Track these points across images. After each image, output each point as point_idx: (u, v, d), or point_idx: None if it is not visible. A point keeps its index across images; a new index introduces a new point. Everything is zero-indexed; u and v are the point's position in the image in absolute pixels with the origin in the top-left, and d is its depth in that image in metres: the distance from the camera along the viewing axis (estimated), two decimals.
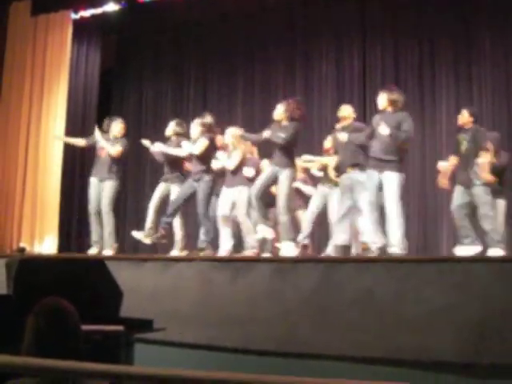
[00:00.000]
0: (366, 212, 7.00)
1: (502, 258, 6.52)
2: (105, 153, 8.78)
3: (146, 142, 8.71)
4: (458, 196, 7.25)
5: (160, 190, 8.57)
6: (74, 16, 11.01)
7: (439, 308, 5.44)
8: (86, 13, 11.14)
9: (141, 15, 11.41)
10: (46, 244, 10.18)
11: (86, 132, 11.22)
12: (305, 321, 6.02)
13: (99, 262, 4.62)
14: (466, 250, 6.98)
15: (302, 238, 8.09)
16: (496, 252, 6.80)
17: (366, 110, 10.21)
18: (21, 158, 10.64)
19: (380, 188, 6.96)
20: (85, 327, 2.61)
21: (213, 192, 8.21)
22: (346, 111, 8.01)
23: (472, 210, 7.23)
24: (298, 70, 11.25)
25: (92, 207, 8.81)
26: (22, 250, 9.90)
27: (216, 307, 6.51)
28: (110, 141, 8.81)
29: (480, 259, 6.41)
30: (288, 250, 7.39)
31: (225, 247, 7.98)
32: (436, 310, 5.45)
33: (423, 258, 6.84)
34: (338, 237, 7.47)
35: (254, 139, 8.16)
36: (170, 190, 8.50)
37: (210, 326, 6.38)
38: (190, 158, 8.31)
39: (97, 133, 8.92)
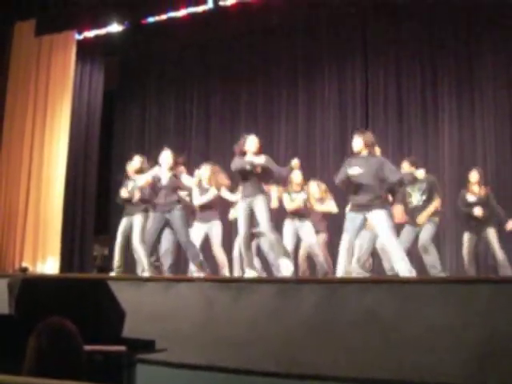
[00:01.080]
0: (345, 252, 7.05)
1: (506, 279, 6.51)
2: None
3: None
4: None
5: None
6: (77, 37, 11.08)
7: (443, 328, 5.42)
8: (90, 33, 11.22)
9: (144, 36, 11.48)
10: (49, 264, 10.16)
11: (88, 152, 11.27)
12: (307, 341, 5.99)
13: (101, 283, 4.61)
14: None
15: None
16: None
17: None
18: (23, 178, 10.66)
19: (362, 228, 7.11)
20: (87, 347, 2.61)
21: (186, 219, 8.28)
22: None
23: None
24: (301, 91, 11.29)
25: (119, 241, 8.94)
26: (25, 269, 9.89)
27: (218, 328, 6.48)
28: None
29: (483, 279, 6.40)
30: (285, 265, 7.40)
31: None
32: (440, 331, 5.43)
33: (426, 278, 6.83)
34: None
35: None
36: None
37: (212, 346, 6.36)
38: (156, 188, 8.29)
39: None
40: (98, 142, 11.63)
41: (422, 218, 7.67)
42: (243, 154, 7.70)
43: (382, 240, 7.02)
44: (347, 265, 6.96)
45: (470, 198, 8.35)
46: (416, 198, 7.74)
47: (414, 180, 7.82)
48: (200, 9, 10.36)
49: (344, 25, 10.90)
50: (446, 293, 5.70)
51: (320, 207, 8.77)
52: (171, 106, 12.45)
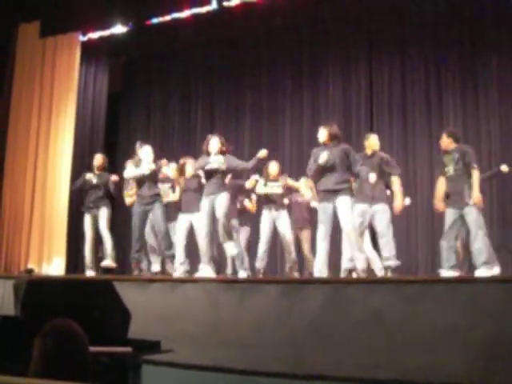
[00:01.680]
0: (321, 241, 7.22)
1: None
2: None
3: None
4: (450, 217, 7.33)
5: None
6: (82, 38, 11.10)
7: (448, 329, 5.41)
8: (94, 35, 11.23)
9: (148, 37, 11.47)
10: (54, 265, 10.18)
11: (93, 153, 11.26)
12: (312, 342, 5.99)
13: (107, 284, 4.61)
14: (445, 273, 7.08)
15: (261, 265, 8.43)
16: (483, 272, 6.88)
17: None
18: (29, 180, 10.67)
19: (334, 217, 7.25)
20: (92, 348, 2.60)
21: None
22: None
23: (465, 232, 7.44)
24: (305, 91, 11.28)
25: None
26: (30, 271, 9.90)
27: (223, 328, 6.48)
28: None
29: (490, 279, 6.39)
30: (229, 247, 7.87)
31: (180, 269, 8.28)
32: (445, 331, 5.41)
33: (432, 278, 6.81)
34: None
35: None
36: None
37: (218, 347, 6.35)
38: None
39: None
40: (103, 142, 11.63)
41: (474, 197, 7.13)
42: (208, 154, 8.01)
43: (344, 227, 7.15)
44: (323, 253, 7.17)
45: None
46: (451, 167, 7.51)
47: (446, 151, 7.65)
48: (204, 9, 10.36)
49: (348, 24, 10.87)
50: (452, 293, 5.69)
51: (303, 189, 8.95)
52: (176, 107, 12.44)
